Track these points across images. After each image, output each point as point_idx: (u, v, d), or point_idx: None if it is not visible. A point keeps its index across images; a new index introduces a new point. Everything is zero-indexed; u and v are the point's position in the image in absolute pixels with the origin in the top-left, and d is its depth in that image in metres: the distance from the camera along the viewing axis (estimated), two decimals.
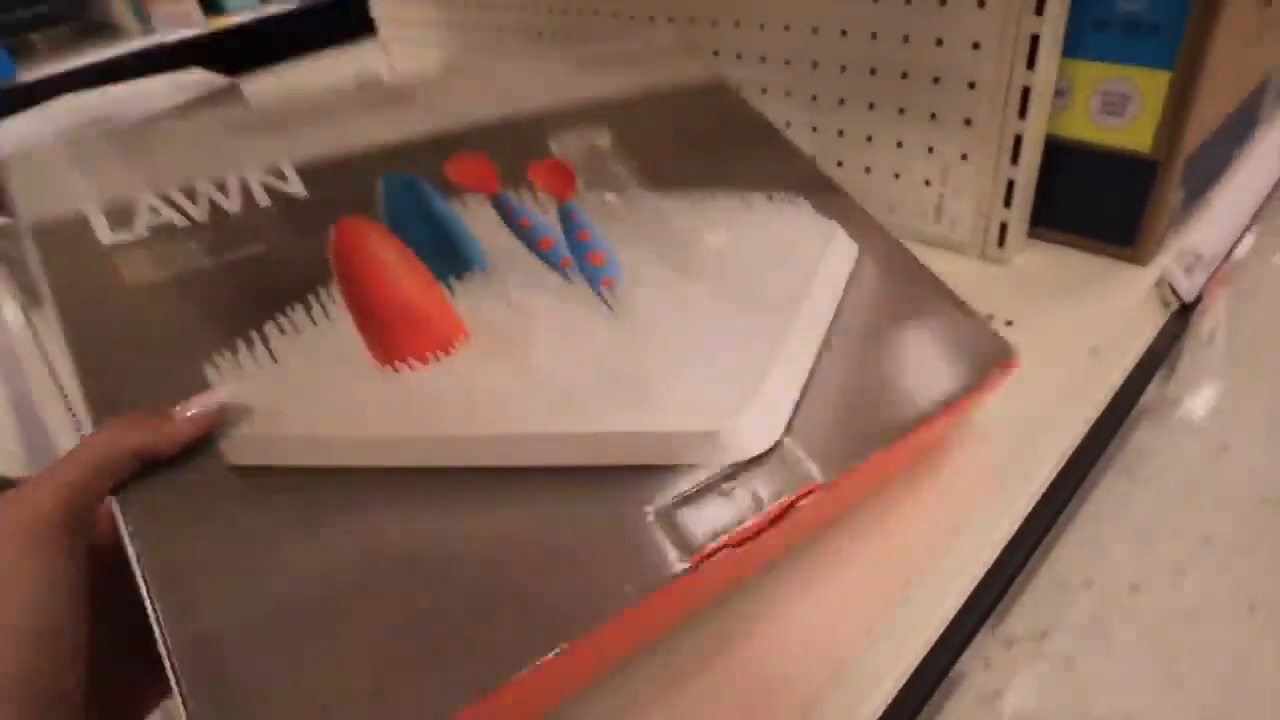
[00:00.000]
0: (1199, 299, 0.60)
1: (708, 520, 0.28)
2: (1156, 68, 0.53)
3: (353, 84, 0.45)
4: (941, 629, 0.38)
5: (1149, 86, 0.54)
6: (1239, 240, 0.66)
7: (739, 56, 0.68)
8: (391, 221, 0.34)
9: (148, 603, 0.23)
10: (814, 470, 0.30)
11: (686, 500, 0.28)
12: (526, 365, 0.31)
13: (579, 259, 0.35)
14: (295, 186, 0.35)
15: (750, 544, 0.28)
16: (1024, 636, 0.52)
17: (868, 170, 0.67)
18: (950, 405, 0.35)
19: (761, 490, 0.29)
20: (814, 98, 0.67)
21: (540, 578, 0.25)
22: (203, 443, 0.27)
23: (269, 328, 0.30)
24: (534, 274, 0.34)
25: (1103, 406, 0.52)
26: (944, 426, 0.39)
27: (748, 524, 0.28)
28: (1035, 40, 0.53)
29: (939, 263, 0.63)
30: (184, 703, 0.21)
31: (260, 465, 0.27)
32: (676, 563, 0.26)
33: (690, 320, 0.34)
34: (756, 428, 0.30)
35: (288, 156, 0.36)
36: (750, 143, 0.46)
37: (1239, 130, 0.66)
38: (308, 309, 0.31)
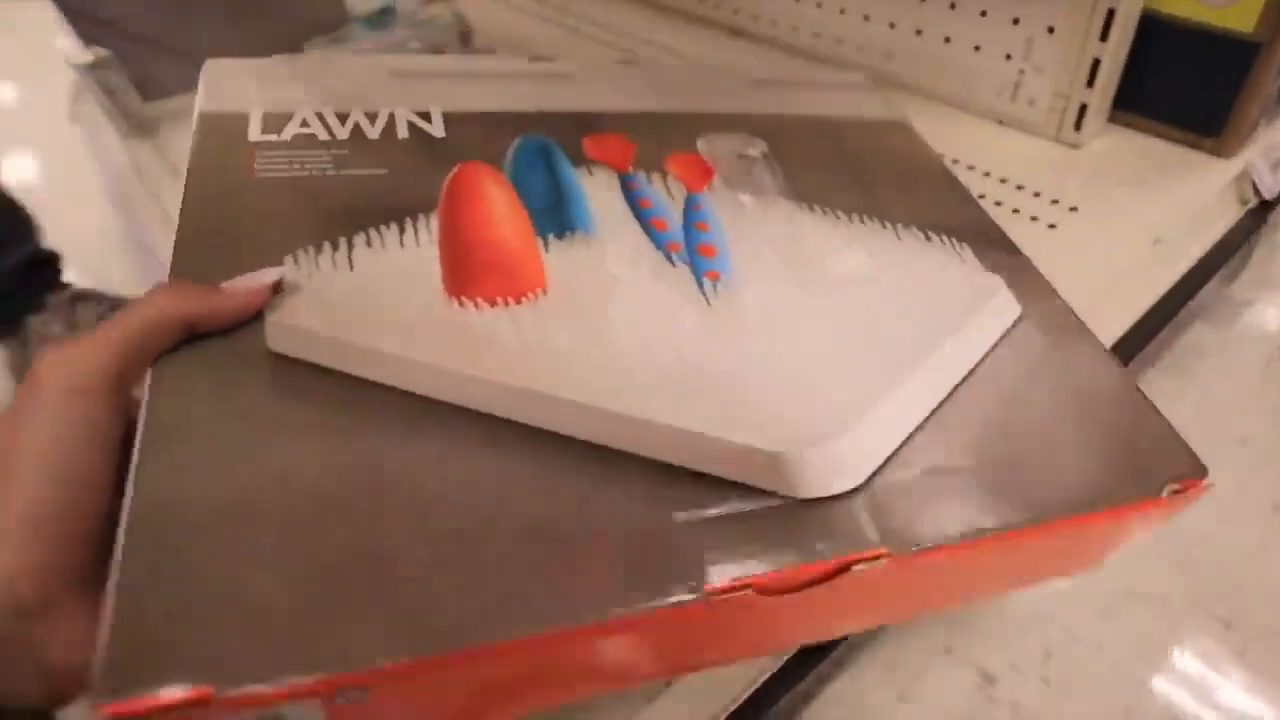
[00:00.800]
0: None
1: (741, 552, 0.24)
2: None
3: (525, 57, 0.46)
4: None
5: None
6: None
7: None
8: (514, 175, 0.35)
9: (133, 461, 0.23)
10: (894, 535, 0.25)
11: (723, 521, 0.24)
12: (597, 333, 0.29)
13: (690, 248, 0.34)
14: (437, 129, 0.37)
15: (791, 597, 0.24)
16: None
17: (947, 40, 0.65)
18: (1092, 513, 0.27)
19: (818, 541, 0.24)
20: None
21: (527, 551, 0.23)
22: (250, 325, 0.27)
23: (358, 238, 0.31)
24: (637, 250, 0.33)
25: (1156, 300, 0.52)
26: (1075, 537, 0.29)
27: (783, 571, 0.23)
28: None
29: (1011, 143, 0.62)
30: (118, 567, 0.20)
31: (295, 358, 0.27)
32: (683, 589, 0.22)
33: (795, 336, 0.30)
34: (835, 466, 0.26)
35: (439, 102, 0.38)
36: (918, 180, 0.41)
37: None
38: (401, 231, 0.32)
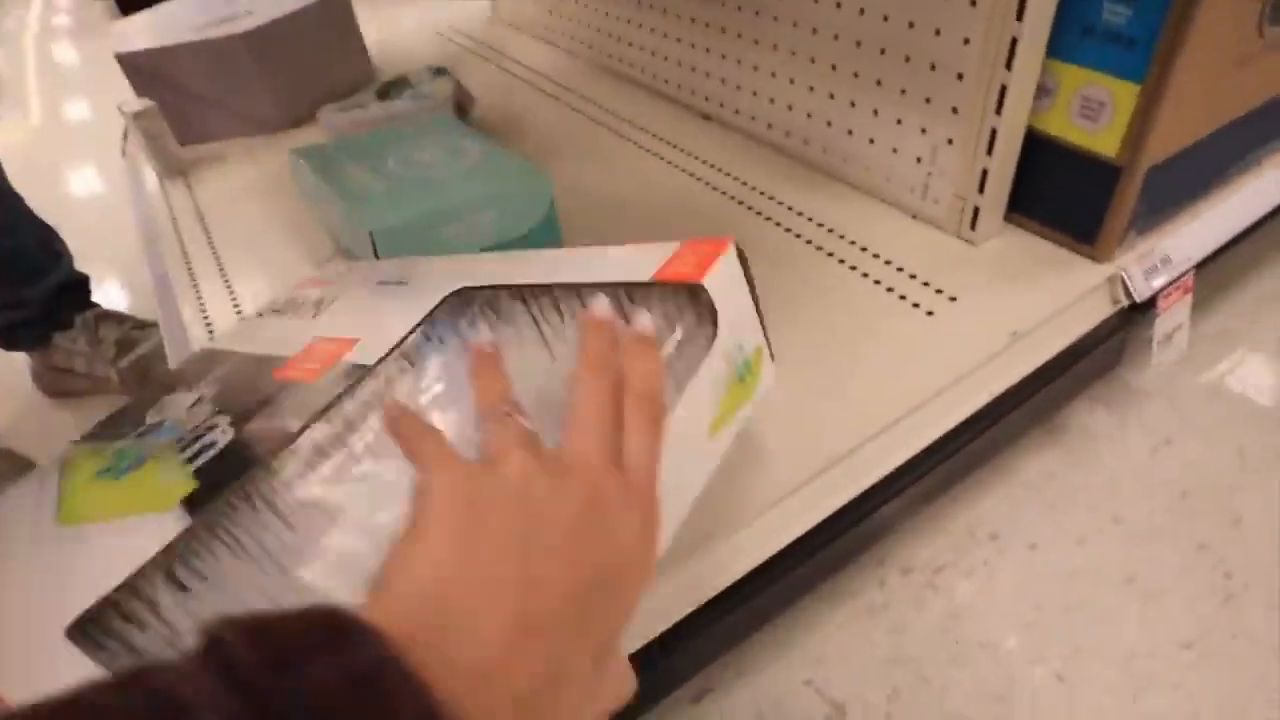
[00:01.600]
0: (1153, 300, 0.64)
1: None
2: (1130, 80, 0.57)
3: None
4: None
5: (1122, 96, 0.58)
6: (1220, 251, 0.68)
7: (794, 24, 0.75)
8: None
9: None
10: None
11: None
12: None
13: None
14: None
15: None
16: (921, 568, 0.61)
17: (872, 141, 0.73)
18: None
19: None
20: (833, 67, 0.73)
21: None
22: None
23: None
24: None
25: (1005, 389, 0.58)
26: None
27: None
28: (1015, 43, 0.57)
29: (920, 237, 0.70)
30: None
31: None
32: None
33: None
34: None
35: None
36: None
37: (1242, 148, 0.68)
38: None
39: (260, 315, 0.54)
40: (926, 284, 0.64)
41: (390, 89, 0.96)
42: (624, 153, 0.90)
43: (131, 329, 0.93)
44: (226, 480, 0.33)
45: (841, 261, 0.68)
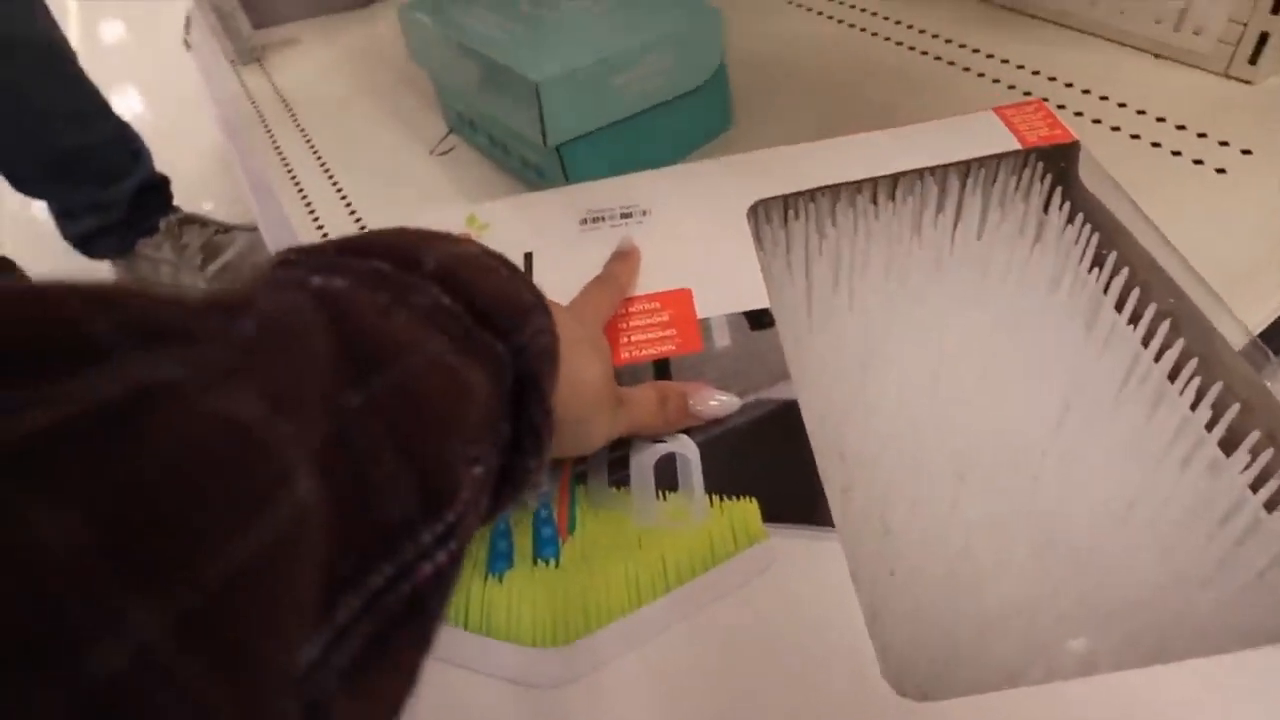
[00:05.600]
0: None
1: None
2: None
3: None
4: None
5: None
6: None
7: None
8: None
9: None
10: None
11: None
12: None
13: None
14: None
15: None
16: None
17: None
18: None
19: None
20: None
21: None
22: None
23: None
24: None
25: None
26: None
27: None
28: None
29: (1170, 77, 0.56)
30: None
31: None
32: None
33: None
34: None
35: None
36: None
37: None
38: None
39: None
40: (1203, 135, 0.51)
41: None
42: (762, 5, 0.76)
43: (216, 233, 0.85)
44: None
45: (1079, 114, 0.55)
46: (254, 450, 0.12)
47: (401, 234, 0.22)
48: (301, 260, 0.20)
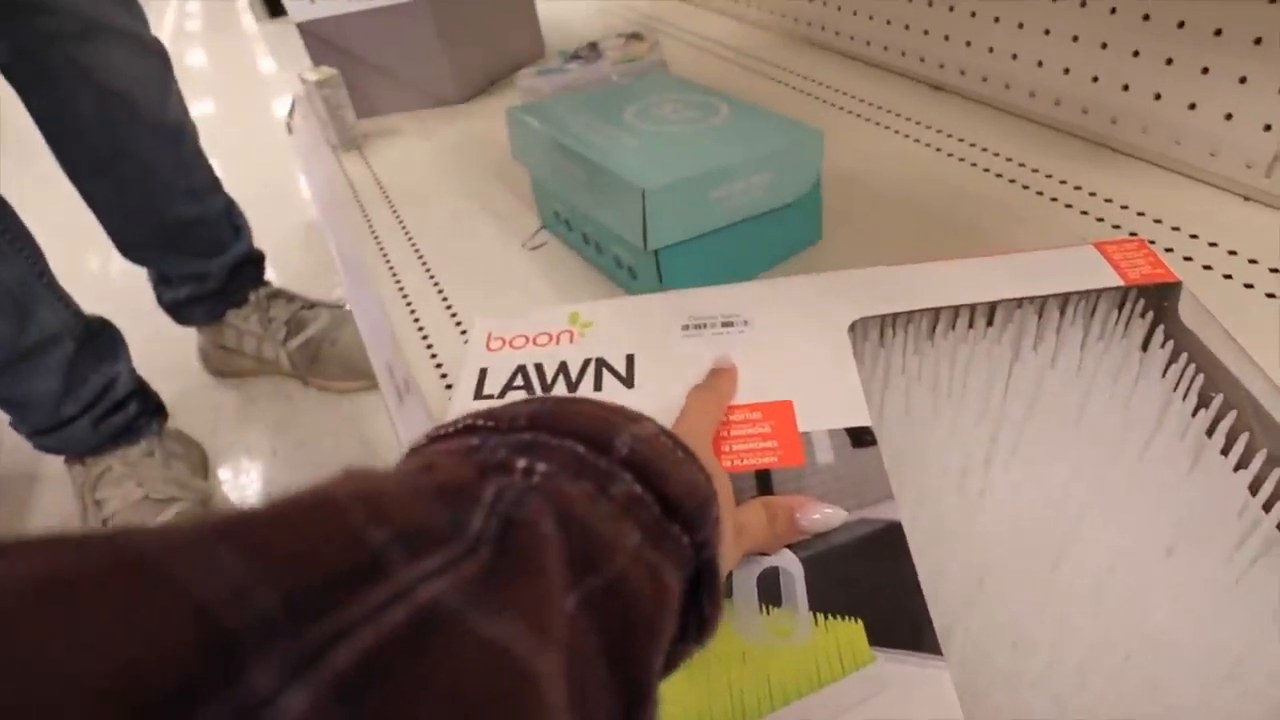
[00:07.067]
0: None
1: None
2: None
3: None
4: None
5: None
6: None
7: None
8: None
9: None
10: None
11: None
12: None
13: None
14: None
15: None
16: None
17: (1192, 106, 0.60)
18: None
19: None
20: (1145, 17, 0.60)
21: None
22: None
23: None
24: None
25: None
26: None
27: None
28: None
29: (1261, 221, 0.57)
30: None
31: None
32: None
33: None
34: None
35: None
36: None
37: None
38: None
39: None
40: None
41: (579, 55, 0.88)
42: (850, 126, 0.79)
43: (301, 309, 0.88)
44: None
45: (1170, 250, 0.55)
46: (526, 685, 0.13)
47: (585, 409, 0.22)
48: (494, 428, 0.21)
